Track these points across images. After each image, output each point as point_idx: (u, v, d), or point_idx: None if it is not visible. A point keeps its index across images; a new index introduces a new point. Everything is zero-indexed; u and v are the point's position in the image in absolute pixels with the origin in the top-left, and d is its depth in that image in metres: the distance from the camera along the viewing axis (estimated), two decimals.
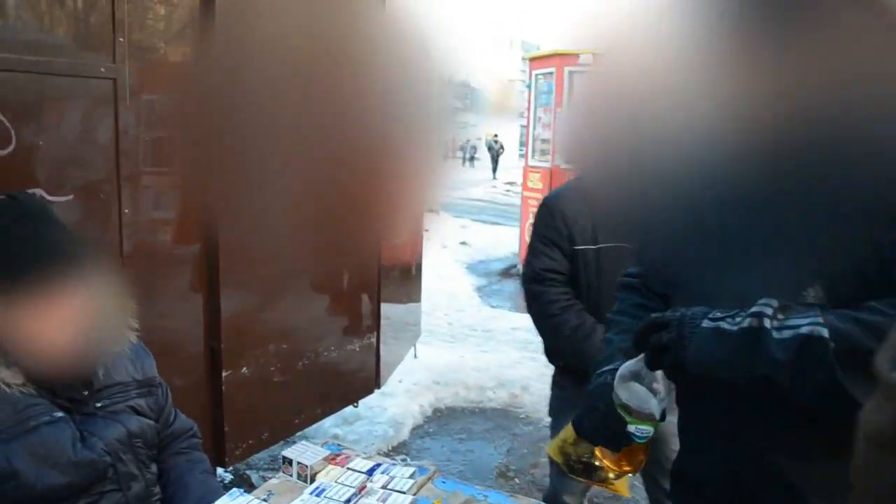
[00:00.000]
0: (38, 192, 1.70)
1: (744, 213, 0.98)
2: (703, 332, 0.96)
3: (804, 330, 0.87)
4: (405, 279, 3.61)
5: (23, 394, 1.21)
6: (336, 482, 1.42)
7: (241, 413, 2.37)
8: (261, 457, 3.05)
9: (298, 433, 2.77)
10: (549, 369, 2.15)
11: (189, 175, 2.10)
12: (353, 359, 2.98)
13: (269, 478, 1.56)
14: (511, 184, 19.11)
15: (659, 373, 1.06)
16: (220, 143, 2.13)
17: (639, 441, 1.12)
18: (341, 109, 2.53)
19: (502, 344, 5.18)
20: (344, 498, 1.36)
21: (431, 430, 3.81)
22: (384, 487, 1.41)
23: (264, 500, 1.37)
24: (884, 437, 0.57)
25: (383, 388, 3.33)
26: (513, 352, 4.91)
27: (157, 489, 1.42)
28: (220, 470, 2.65)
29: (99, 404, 1.32)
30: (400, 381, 3.95)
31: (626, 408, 1.09)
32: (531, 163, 7.61)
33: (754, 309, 0.92)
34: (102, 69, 1.82)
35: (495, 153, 25.54)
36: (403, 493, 1.39)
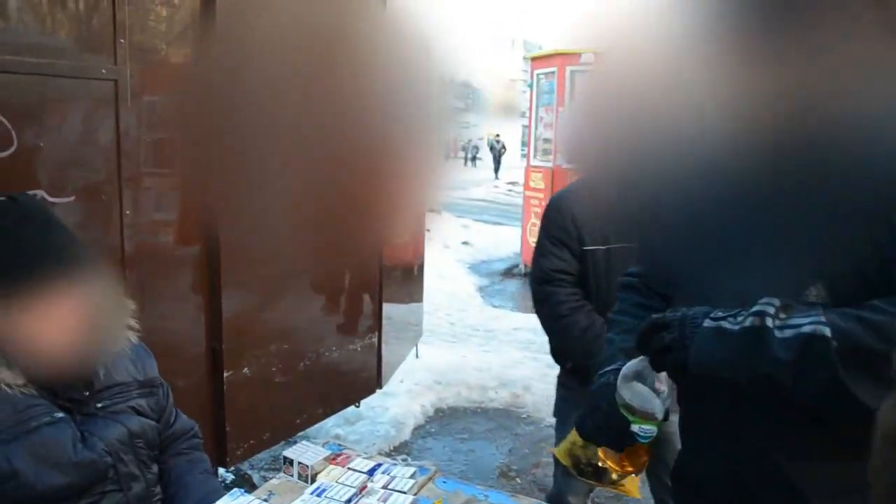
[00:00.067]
0: (40, 193, 1.70)
1: (744, 212, 0.98)
2: (704, 332, 0.96)
3: (806, 329, 0.87)
4: (407, 279, 3.61)
5: (23, 394, 1.21)
6: (337, 482, 1.42)
7: (243, 413, 2.38)
8: (262, 457, 3.05)
9: (300, 433, 2.77)
10: (552, 369, 2.15)
11: (190, 176, 2.10)
12: (354, 359, 2.98)
13: (271, 478, 1.56)
14: (513, 184, 19.11)
15: (662, 372, 1.06)
16: (220, 144, 2.13)
17: (642, 441, 1.12)
18: (342, 110, 2.52)
19: (504, 344, 5.18)
20: (345, 498, 1.36)
21: (433, 430, 3.81)
22: (385, 487, 1.41)
23: (265, 500, 1.38)
24: None
25: (385, 388, 3.32)
26: (515, 352, 4.91)
27: (157, 489, 1.42)
28: (221, 470, 2.66)
29: (100, 405, 1.32)
30: (401, 381, 3.96)
31: (629, 408, 1.08)
32: (533, 163, 7.61)
33: (756, 308, 0.91)
34: (104, 71, 1.82)
35: (497, 153, 25.55)
36: (404, 493, 1.39)
